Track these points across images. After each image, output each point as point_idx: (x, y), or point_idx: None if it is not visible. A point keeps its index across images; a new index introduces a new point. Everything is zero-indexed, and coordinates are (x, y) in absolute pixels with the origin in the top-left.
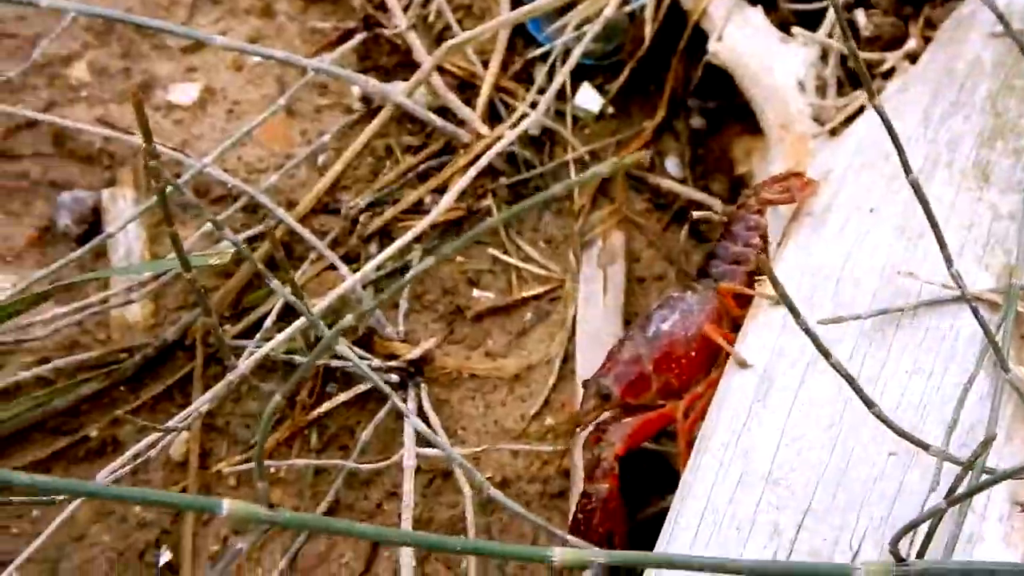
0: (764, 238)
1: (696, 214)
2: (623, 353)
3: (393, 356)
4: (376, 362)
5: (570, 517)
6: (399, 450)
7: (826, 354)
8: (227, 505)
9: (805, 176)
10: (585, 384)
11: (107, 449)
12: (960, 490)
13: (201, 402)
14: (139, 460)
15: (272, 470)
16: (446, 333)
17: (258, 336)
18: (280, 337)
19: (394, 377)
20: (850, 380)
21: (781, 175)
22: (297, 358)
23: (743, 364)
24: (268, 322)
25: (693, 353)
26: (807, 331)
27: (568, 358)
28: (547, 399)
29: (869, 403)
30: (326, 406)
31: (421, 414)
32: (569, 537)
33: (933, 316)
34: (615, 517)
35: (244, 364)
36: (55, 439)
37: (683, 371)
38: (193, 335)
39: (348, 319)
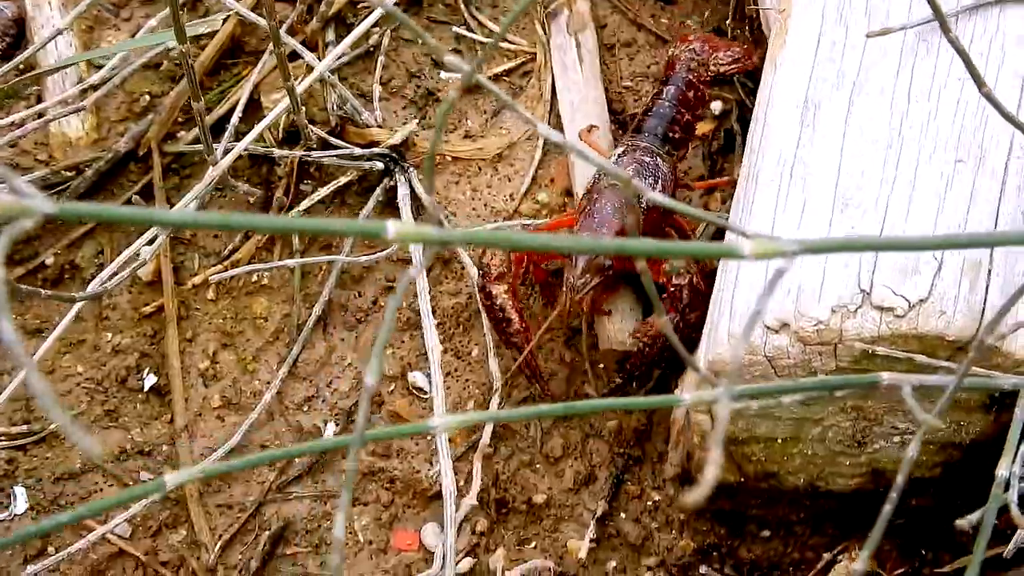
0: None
1: None
2: (607, 227)
3: (373, 144)
4: (357, 151)
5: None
6: (388, 244)
7: (945, 28)
8: (392, 227)
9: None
10: (572, 256)
11: (64, 277)
12: None
13: (189, 201)
14: (104, 285)
15: (255, 278)
16: (419, 119)
17: (226, 135)
18: (265, 122)
19: (378, 164)
20: (963, 55)
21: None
22: (276, 151)
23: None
24: (235, 119)
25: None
26: None
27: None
28: (534, 177)
29: (980, 82)
30: (305, 204)
31: (413, 199)
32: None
33: (978, 20)
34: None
35: (225, 159)
36: (11, 269)
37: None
38: (147, 144)
39: None
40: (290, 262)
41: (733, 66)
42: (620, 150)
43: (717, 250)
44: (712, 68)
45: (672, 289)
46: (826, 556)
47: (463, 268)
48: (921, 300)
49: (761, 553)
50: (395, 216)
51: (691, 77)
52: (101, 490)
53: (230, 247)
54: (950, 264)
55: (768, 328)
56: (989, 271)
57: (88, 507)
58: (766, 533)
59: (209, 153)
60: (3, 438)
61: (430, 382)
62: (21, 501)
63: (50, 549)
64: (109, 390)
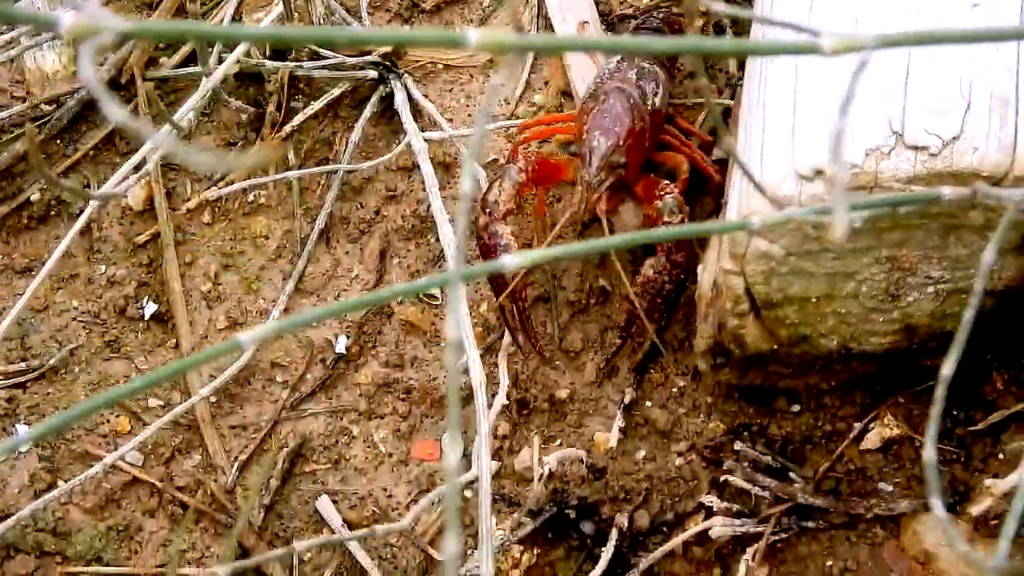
0: None
1: None
2: (619, 125)
3: (364, 53)
4: (349, 60)
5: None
6: (386, 153)
7: None
8: (473, 34)
9: None
10: (584, 155)
11: (51, 213)
12: None
13: (186, 112)
14: (92, 216)
15: (251, 198)
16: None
17: (215, 51)
18: (259, 26)
19: (371, 73)
20: None
21: None
22: (268, 63)
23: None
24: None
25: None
26: None
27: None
28: (528, 80)
29: None
30: (298, 119)
31: (411, 107)
32: None
33: None
34: None
35: (219, 69)
36: None
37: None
38: (129, 71)
39: None
40: (289, 174)
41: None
42: (618, 57)
43: (793, 46)
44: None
45: (663, 226)
46: (857, 426)
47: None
48: (954, 138)
49: (792, 429)
50: (392, 125)
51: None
52: (108, 421)
53: (222, 169)
54: (979, 102)
55: (802, 177)
56: (1016, 109)
57: (161, 372)
58: (796, 408)
59: (204, 63)
60: (1, 377)
61: (440, 288)
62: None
63: (60, 483)
64: (108, 321)
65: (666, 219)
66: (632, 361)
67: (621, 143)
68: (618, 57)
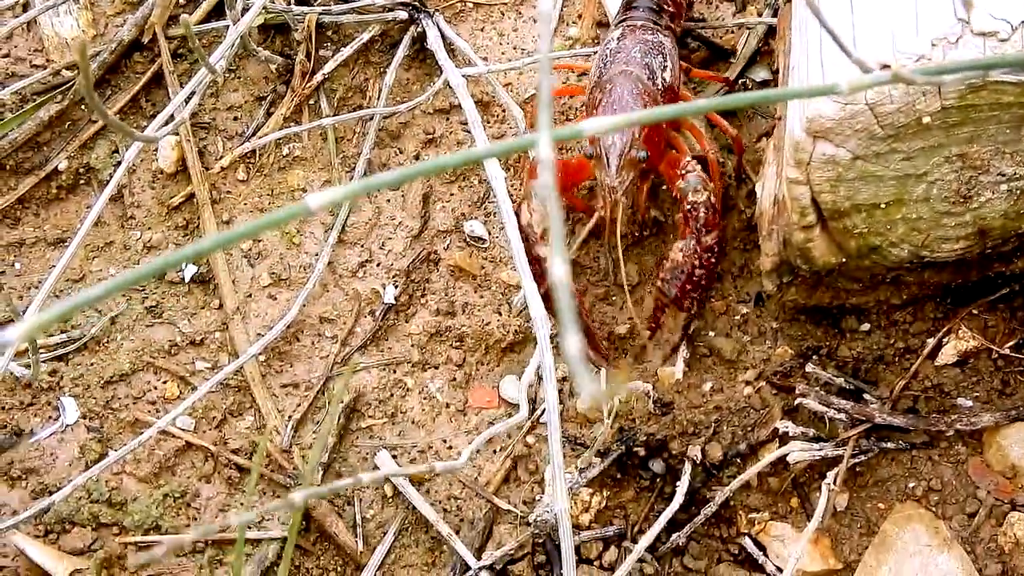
0: None
1: None
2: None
3: None
4: (379, 1)
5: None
6: (420, 96)
7: None
8: None
9: None
10: (602, 156)
11: (80, 181)
12: None
13: (194, 84)
14: (123, 181)
15: (286, 152)
16: None
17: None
18: None
19: (401, 14)
20: None
21: None
22: (295, 8)
23: None
24: None
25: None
26: None
27: None
28: (560, 15)
29: None
30: (329, 66)
31: (444, 46)
32: None
33: None
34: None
35: (246, 16)
36: (20, 179)
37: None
38: (151, 30)
39: None
40: (324, 121)
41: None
42: (618, 32)
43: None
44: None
45: (688, 207)
46: (931, 341)
47: (504, 111)
48: (1023, 22)
49: (863, 348)
50: (424, 67)
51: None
52: (155, 388)
53: (253, 125)
54: None
55: (862, 68)
56: None
57: (238, 232)
58: (866, 327)
59: (231, 8)
60: (42, 350)
61: (487, 229)
62: (71, 411)
63: (111, 454)
64: (147, 287)
65: (691, 199)
66: (665, 353)
67: (637, 136)
68: (617, 33)
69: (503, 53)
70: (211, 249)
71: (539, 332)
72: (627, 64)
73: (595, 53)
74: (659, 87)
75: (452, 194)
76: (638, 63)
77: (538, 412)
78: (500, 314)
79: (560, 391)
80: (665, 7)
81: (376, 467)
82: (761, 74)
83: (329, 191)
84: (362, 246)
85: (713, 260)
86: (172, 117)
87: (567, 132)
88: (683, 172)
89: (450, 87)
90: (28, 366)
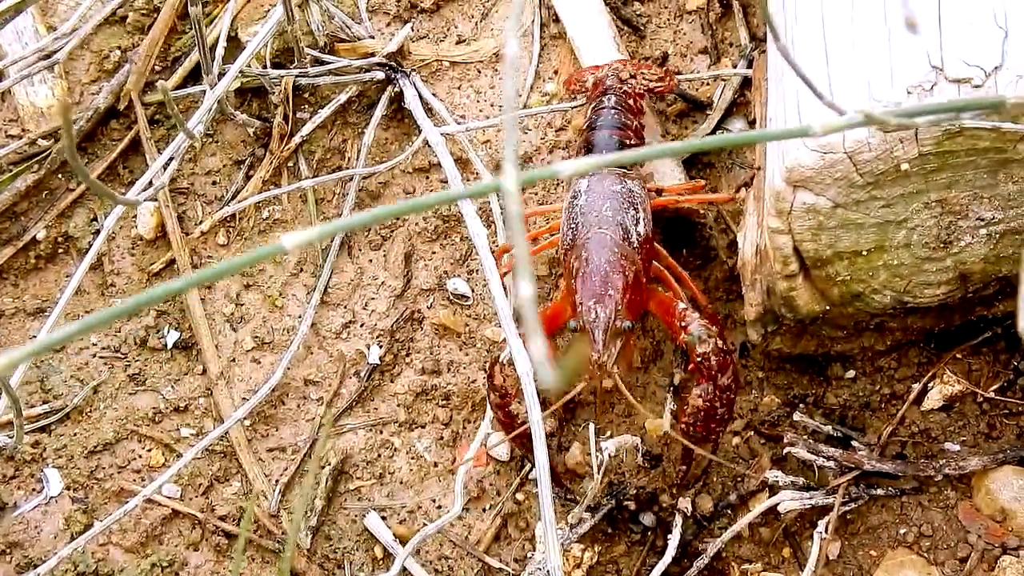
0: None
1: None
2: (610, 286)
3: (368, 55)
4: (355, 63)
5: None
6: (399, 156)
7: None
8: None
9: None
10: (587, 330)
11: (59, 251)
12: None
13: (172, 150)
14: (102, 249)
15: (266, 215)
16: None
17: (216, 62)
18: (258, 36)
19: (378, 75)
20: None
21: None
22: (271, 72)
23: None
24: (220, 49)
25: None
26: None
27: (544, 24)
28: (537, 71)
29: None
30: (307, 128)
31: (421, 105)
32: None
33: None
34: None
35: (223, 80)
36: None
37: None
38: (127, 97)
39: None
40: (304, 183)
41: (659, 84)
42: (585, 182)
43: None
44: (641, 82)
45: (699, 359)
46: (916, 386)
47: (477, 173)
48: (996, 67)
49: (849, 396)
50: (402, 127)
51: (625, 88)
52: (140, 456)
53: (232, 189)
54: (1016, 29)
55: (836, 110)
56: None
57: (224, 265)
58: (851, 374)
59: (207, 72)
60: (25, 421)
61: (470, 287)
62: (55, 482)
63: (96, 524)
64: (129, 355)
65: (699, 351)
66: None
67: (620, 307)
68: (585, 182)
69: (480, 110)
70: (183, 288)
71: (526, 387)
72: (600, 226)
73: (564, 197)
74: (635, 245)
75: (434, 252)
76: (611, 223)
77: (527, 469)
78: (486, 371)
79: (548, 448)
80: (626, 142)
81: (366, 529)
82: (738, 125)
83: (304, 231)
84: (345, 307)
85: (732, 395)
86: (151, 183)
87: (538, 174)
88: (684, 325)
89: (429, 146)
90: (11, 436)
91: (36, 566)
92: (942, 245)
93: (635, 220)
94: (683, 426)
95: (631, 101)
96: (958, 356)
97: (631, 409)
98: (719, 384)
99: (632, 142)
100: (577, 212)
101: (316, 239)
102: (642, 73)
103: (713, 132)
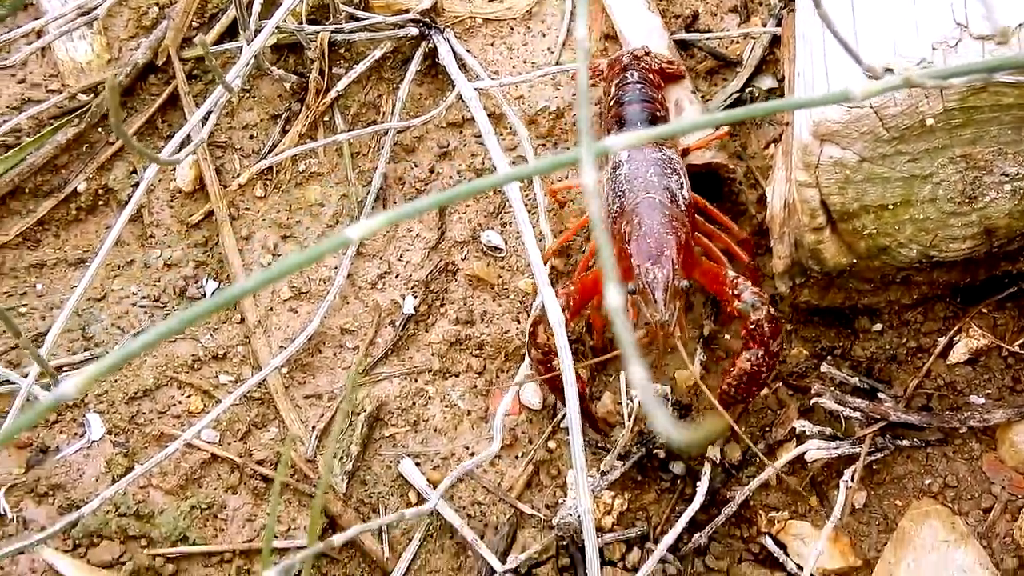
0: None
1: None
2: (665, 247)
3: (402, 12)
4: (390, 19)
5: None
6: (433, 111)
7: None
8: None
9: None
10: (646, 291)
11: (99, 203)
12: None
13: (210, 103)
14: (142, 201)
15: (303, 168)
16: None
17: (252, 19)
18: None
19: (413, 30)
20: None
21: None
22: (307, 27)
23: None
24: (256, 6)
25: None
26: None
27: None
28: (569, 28)
29: None
30: (343, 83)
31: (455, 61)
32: None
33: None
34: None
35: (259, 36)
36: (40, 202)
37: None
38: (165, 52)
39: None
40: (339, 137)
41: (669, 66)
42: (625, 152)
43: None
44: (653, 61)
45: (752, 326)
46: (941, 340)
47: (511, 129)
48: (1020, 24)
49: (876, 348)
50: (436, 83)
51: (643, 64)
52: (179, 402)
53: (269, 143)
54: None
55: (871, 76)
56: None
57: (285, 264)
58: (878, 327)
59: (244, 28)
60: (66, 368)
61: (503, 239)
62: (97, 427)
63: (137, 467)
64: (168, 304)
65: (753, 319)
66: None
67: (676, 267)
68: (623, 156)
69: (513, 66)
70: (253, 290)
71: (558, 335)
72: (648, 191)
73: (603, 169)
74: (682, 207)
75: (468, 205)
76: (657, 187)
77: (559, 417)
78: (519, 322)
79: (581, 397)
80: (657, 115)
81: (400, 475)
82: (767, 82)
83: (367, 221)
84: (381, 258)
85: (777, 360)
86: (189, 137)
87: (606, 145)
88: (737, 293)
89: (463, 101)
90: (48, 387)
91: (78, 507)
92: (967, 200)
93: (679, 184)
94: (725, 386)
95: (651, 75)
96: (983, 310)
97: (662, 360)
98: (770, 350)
99: (661, 114)
100: (622, 180)
101: (378, 228)
102: (650, 55)
103: (742, 90)
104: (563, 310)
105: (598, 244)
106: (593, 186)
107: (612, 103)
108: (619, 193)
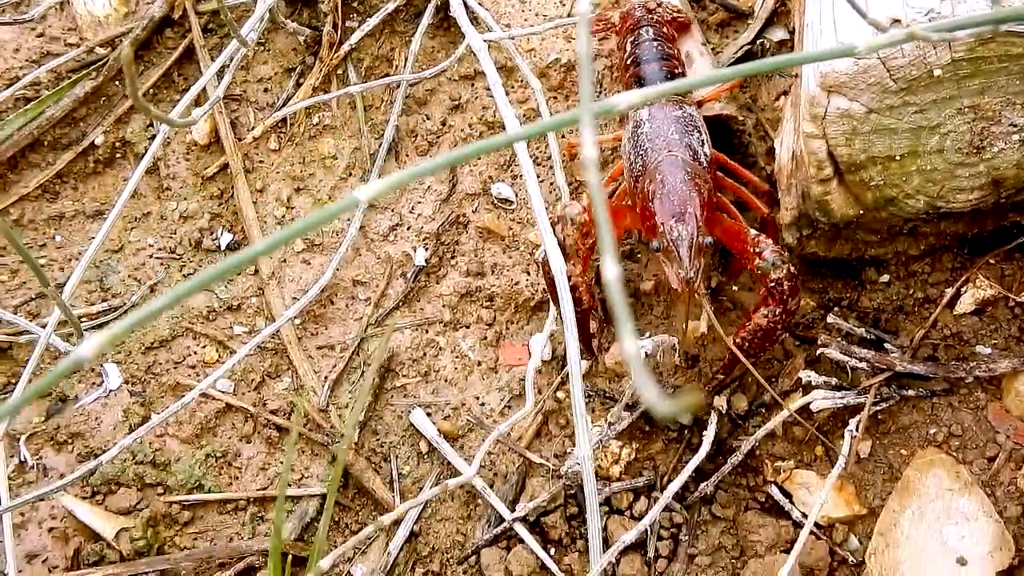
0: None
1: None
2: (689, 204)
3: None
4: None
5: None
6: (444, 63)
7: None
8: None
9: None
10: (671, 248)
11: (116, 156)
12: None
13: (225, 57)
14: (158, 154)
15: (316, 121)
16: None
17: None
18: None
19: None
20: None
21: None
22: None
23: None
24: None
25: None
26: None
27: None
28: None
29: None
30: (356, 37)
31: (467, 14)
32: None
33: None
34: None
35: None
36: (58, 155)
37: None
38: (181, 7)
39: None
40: (351, 89)
41: (679, 15)
42: (646, 111)
43: None
44: (664, 12)
45: (772, 284)
46: (948, 291)
47: (523, 82)
48: None
49: (883, 299)
50: (449, 36)
51: (655, 17)
52: (194, 352)
53: (283, 96)
54: None
55: (878, 28)
56: None
57: (297, 226)
58: (885, 278)
59: None
60: (85, 319)
61: (514, 191)
62: (114, 376)
63: (154, 417)
64: (184, 255)
65: (774, 276)
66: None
67: (701, 224)
68: (644, 114)
69: (525, 19)
70: (266, 252)
71: (560, 287)
72: (670, 148)
73: (624, 128)
74: (704, 164)
75: (478, 158)
76: (679, 145)
77: (567, 368)
78: (528, 273)
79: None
80: (676, 71)
81: (412, 424)
82: (778, 34)
83: (376, 183)
84: (392, 211)
85: (793, 317)
86: (204, 91)
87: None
88: (759, 251)
89: (473, 53)
90: (69, 337)
91: (97, 455)
92: (975, 151)
93: (700, 142)
94: (739, 340)
95: (665, 30)
96: (991, 261)
97: (687, 316)
98: (788, 308)
99: (679, 71)
100: (644, 139)
101: (387, 189)
102: (662, 6)
103: (753, 42)
104: (582, 212)
105: (597, 220)
106: (592, 151)
107: (629, 62)
108: (641, 152)
